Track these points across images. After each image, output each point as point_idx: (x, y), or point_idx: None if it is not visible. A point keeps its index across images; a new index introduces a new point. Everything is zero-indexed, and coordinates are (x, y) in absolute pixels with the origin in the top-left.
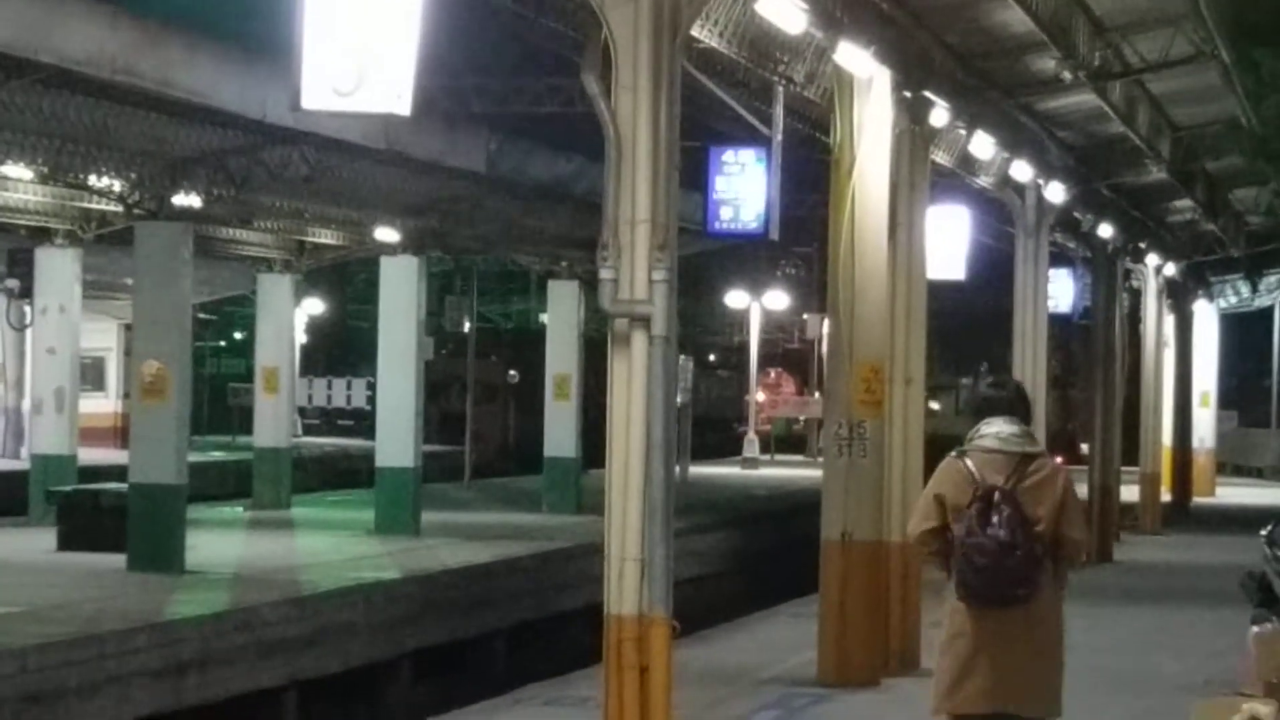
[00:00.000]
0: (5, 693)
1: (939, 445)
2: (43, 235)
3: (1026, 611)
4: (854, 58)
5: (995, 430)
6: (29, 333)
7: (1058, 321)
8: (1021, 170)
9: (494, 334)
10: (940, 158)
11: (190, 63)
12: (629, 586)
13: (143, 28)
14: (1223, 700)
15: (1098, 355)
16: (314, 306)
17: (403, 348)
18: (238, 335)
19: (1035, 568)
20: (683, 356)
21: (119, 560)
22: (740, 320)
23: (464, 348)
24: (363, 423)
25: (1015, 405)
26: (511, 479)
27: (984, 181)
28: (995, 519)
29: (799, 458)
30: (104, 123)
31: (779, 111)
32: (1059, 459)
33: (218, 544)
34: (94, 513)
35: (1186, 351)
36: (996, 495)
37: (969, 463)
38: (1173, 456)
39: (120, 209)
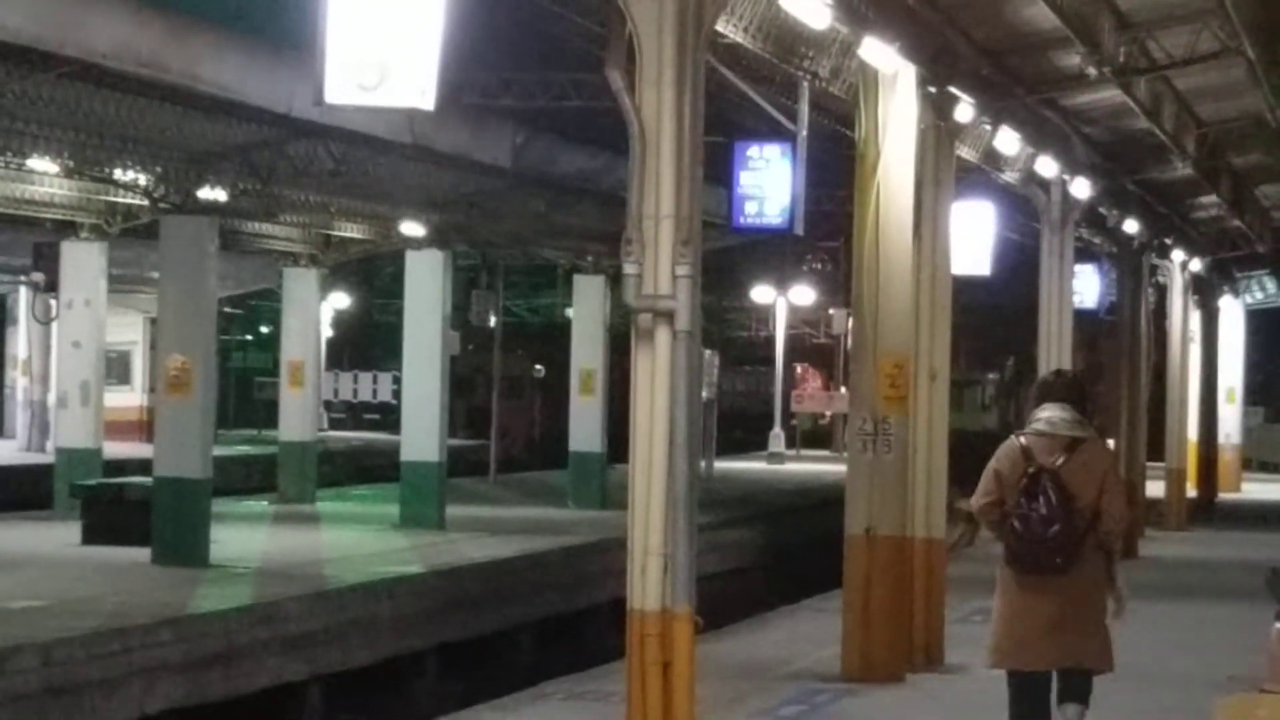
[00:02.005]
0: (29, 686)
1: (963, 440)
2: (68, 229)
3: (1068, 579)
4: (879, 53)
5: (1048, 415)
6: (54, 326)
7: (1083, 317)
8: (1047, 166)
9: (520, 328)
10: (965, 153)
11: (216, 57)
12: (652, 581)
13: (169, 22)
14: (1246, 697)
15: (1123, 351)
16: (340, 300)
17: (428, 342)
18: (263, 329)
19: (1074, 540)
20: (708, 351)
21: (143, 554)
22: (766, 315)
23: (490, 342)
24: (388, 417)
25: (1069, 393)
26: (537, 474)
27: (1009, 177)
28: (1039, 495)
29: (825, 453)
30: (130, 117)
31: (804, 107)
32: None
33: (242, 538)
34: (119, 506)
35: (1212, 347)
36: (1043, 474)
37: (1024, 443)
38: (1198, 452)
39: (146, 203)
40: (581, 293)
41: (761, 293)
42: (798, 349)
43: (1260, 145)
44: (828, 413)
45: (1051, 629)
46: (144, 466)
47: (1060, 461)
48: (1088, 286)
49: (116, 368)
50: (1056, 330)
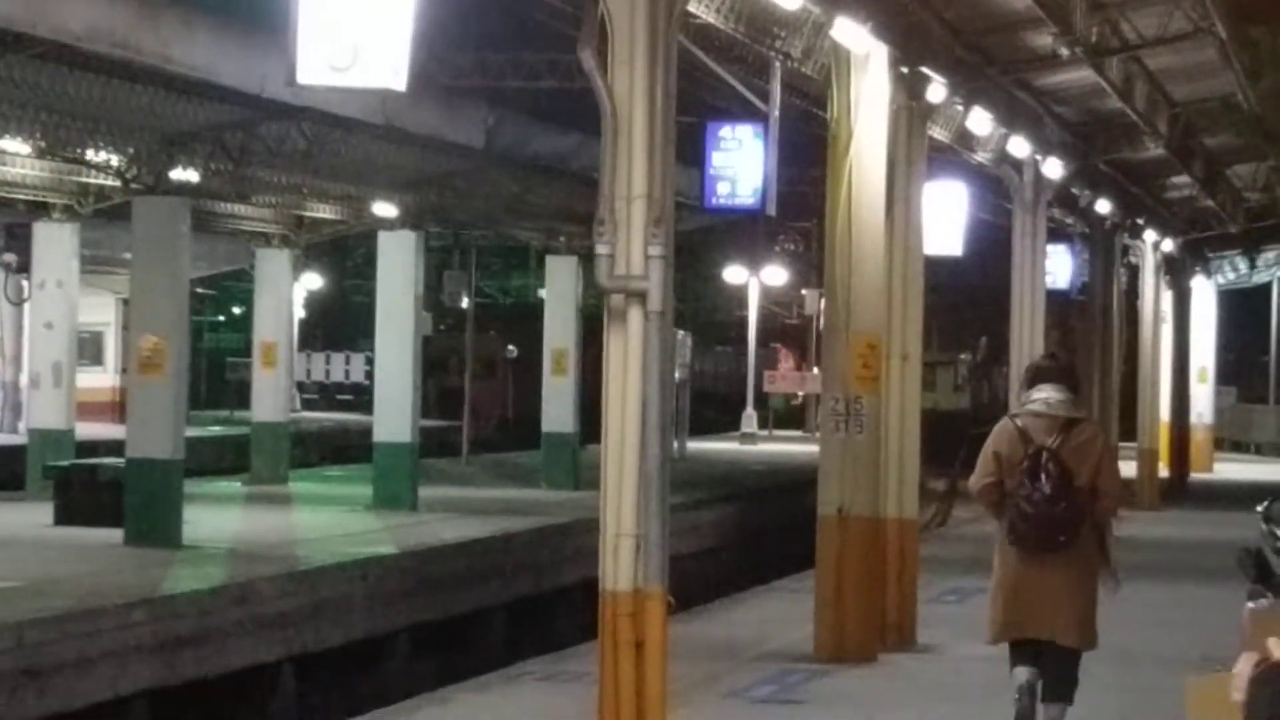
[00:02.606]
0: (2, 667)
1: (936, 421)
2: (40, 210)
3: (1067, 556)
4: (851, 33)
5: (1044, 396)
6: (26, 307)
7: (1055, 297)
8: (1019, 146)
9: (493, 309)
10: (938, 133)
11: (188, 38)
12: (624, 562)
13: (142, 3)
14: (1217, 676)
15: (1095, 331)
16: (312, 281)
17: (401, 323)
18: (236, 310)
19: (1077, 517)
20: (681, 332)
21: (116, 535)
22: (739, 296)
23: (462, 323)
24: (361, 398)
25: (1063, 375)
26: (509, 454)
27: (982, 157)
28: (1043, 474)
29: (798, 433)
30: (102, 97)
31: (776, 87)
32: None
33: (215, 519)
34: (91, 487)
35: (1184, 327)
36: (1044, 454)
37: (1021, 424)
38: (1170, 432)
39: (118, 184)
40: (554, 273)
41: (734, 273)
42: (770, 330)
43: (1232, 126)
44: (800, 393)
45: (1049, 604)
46: (116, 447)
47: (1058, 442)
48: (1060, 266)
49: (89, 348)
50: (1029, 310)
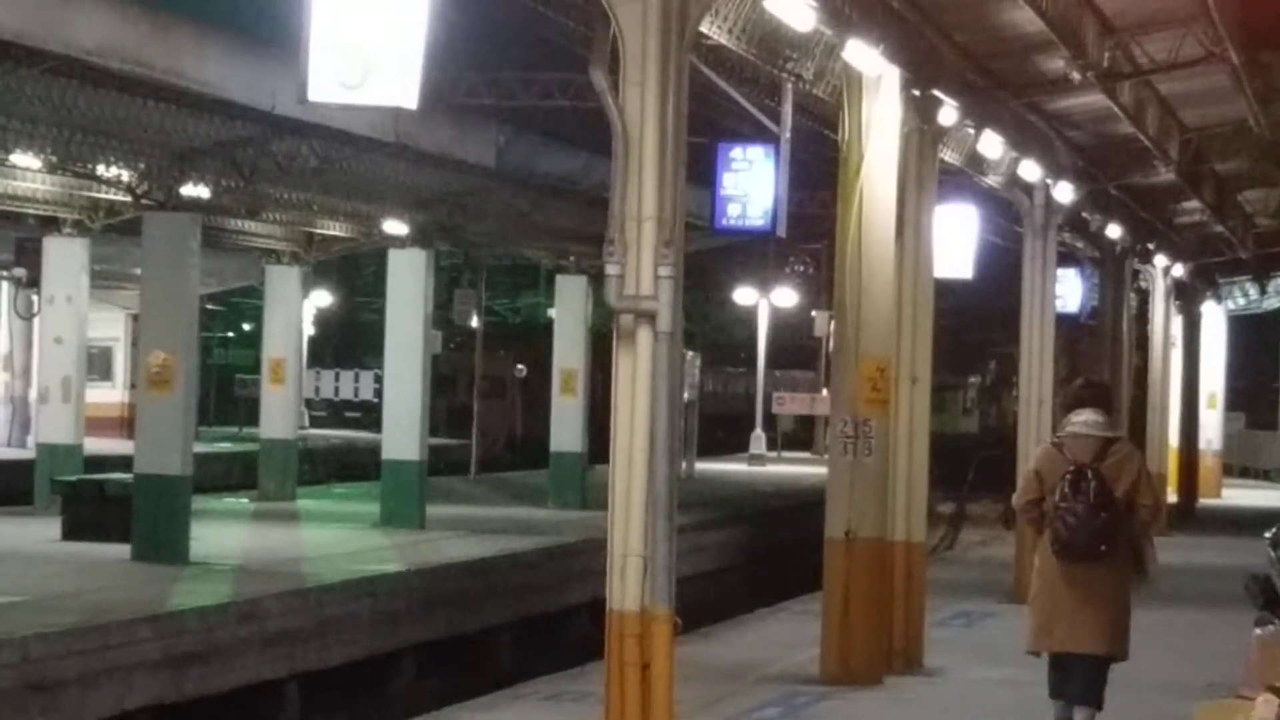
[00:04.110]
0: (8, 682)
1: (945, 444)
2: (51, 224)
3: (1106, 567)
4: (863, 55)
5: (1084, 419)
6: (36, 322)
7: (1065, 321)
8: (1030, 170)
9: (502, 328)
10: (949, 156)
11: (199, 53)
12: (631, 582)
13: (152, 18)
14: (1224, 703)
15: (1105, 355)
16: (322, 298)
17: (410, 341)
18: (245, 326)
19: (1117, 529)
20: (690, 353)
21: (124, 550)
22: (749, 317)
23: (472, 341)
24: (370, 415)
25: (1099, 399)
26: (517, 473)
27: (992, 181)
28: (1084, 489)
29: (806, 455)
30: (113, 113)
31: (788, 109)
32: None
33: (222, 535)
34: (99, 503)
35: (1194, 353)
36: (1086, 470)
37: (1061, 445)
38: (1179, 458)
39: (128, 199)
40: (563, 293)
41: (744, 294)
42: (780, 351)
43: (1243, 151)
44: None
45: (1089, 614)
46: (125, 463)
47: (1097, 460)
48: (1070, 291)
49: (98, 364)
50: (1038, 334)
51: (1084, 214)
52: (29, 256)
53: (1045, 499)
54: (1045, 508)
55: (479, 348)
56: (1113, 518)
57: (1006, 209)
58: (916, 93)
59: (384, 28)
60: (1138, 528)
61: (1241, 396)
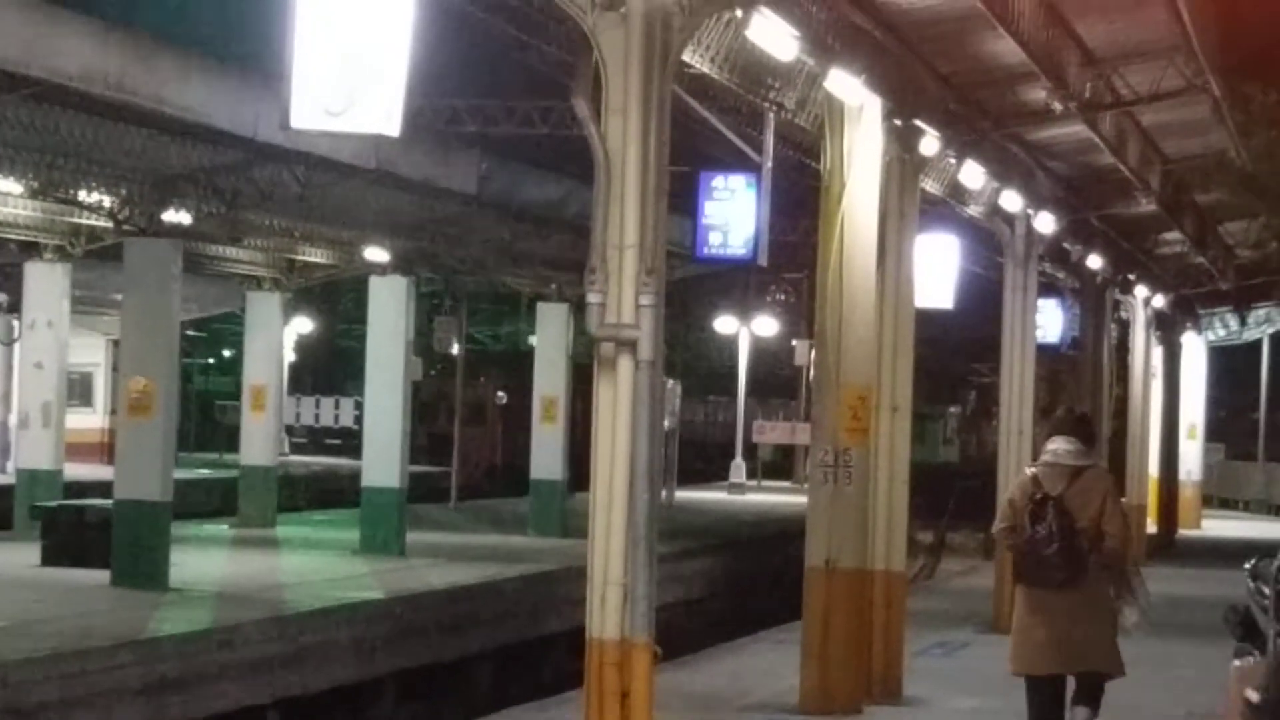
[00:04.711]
0: None
1: (925, 473)
2: (32, 250)
3: (1075, 594)
4: (845, 85)
5: (1055, 448)
6: (16, 347)
7: (1046, 351)
8: (1011, 200)
9: (483, 355)
10: (930, 186)
11: (182, 80)
12: (611, 611)
13: (136, 44)
14: None
15: (1085, 386)
16: (303, 325)
17: (391, 368)
18: (226, 352)
19: (1074, 557)
20: (670, 381)
21: (103, 576)
22: (730, 346)
23: (453, 369)
24: (350, 442)
25: (1075, 428)
26: (498, 501)
27: (974, 211)
28: (1043, 519)
29: (786, 483)
30: (95, 138)
31: (769, 138)
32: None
33: (202, 561)
34: (79, 528)
35: (1174, 383)
36: (1047, 500)
37: (1034, 474)
38: (1159, 488)
39: (110, 225)
40: (544, 321)
41: (725, 323)
42: (761, 380)
43: (1224, 182)
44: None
45: (1060, 639)
46: (105, 488)
47: (1063, 489)
48: (1051, 321)
49: (78, 389)
50: (1019, 364)
51: (1065, 244)
52: (10, 282)
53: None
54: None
55: (460, 375)
56: (1067, 547)
57: (988, 239)
58: (898, 122)
59: (367, 55)
60: (1107, 557)
61: (1221, 428)
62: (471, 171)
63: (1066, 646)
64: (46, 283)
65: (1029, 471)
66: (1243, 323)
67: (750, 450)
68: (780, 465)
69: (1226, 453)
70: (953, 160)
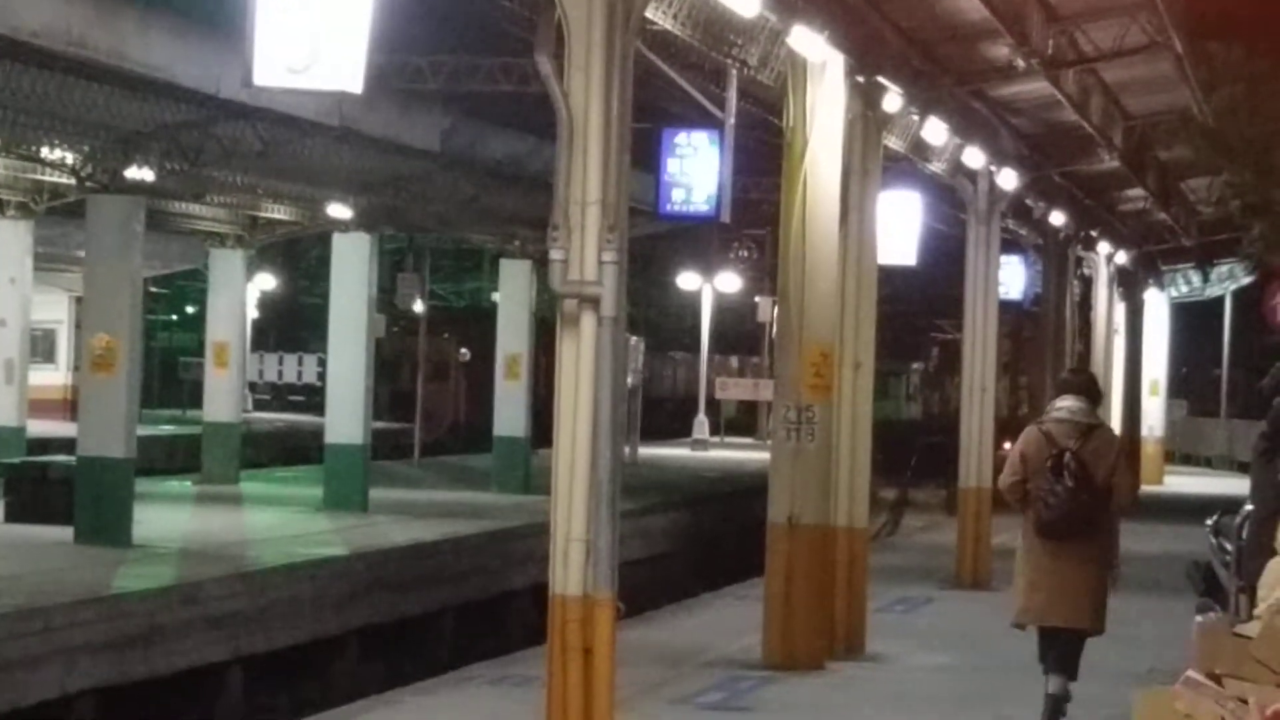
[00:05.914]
0: None
1: (888, 430)
2: None
3: (1085, 545)
4: (807, 42)
5: (1067, 405)
6: None
7: (1009, 308)
8: (974, 157)
9: (446, 312)
10: (893, 143)
11: (144, 36)
12: (574, 567)
13: (97, 1)
14: (1164, 690)
15: (1048, 342)
16: (266, 282)
17: (354, 324)
18: (189, 309)
19: (1096, 510)
20: (634, 338)
21: (66, 533)
22: (693, 302)
23: (415, 325)
24: (313, 399)
25: (1084, 388)
26: (461, 457)
27: (936, 167)
28: (1065, 472)
29: (749, 440)
30: (57, 95)
31: (732, 95)
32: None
33: (166, 518)
34: (42, 485)
35: (1137, 340)
36: (1067, 455)
37: (1046, 429)
38: (1122, 444)
39: (73, 182)
40: (507, 277)
41: (688, 280)
42: (723, 336)
43: (1187, 139)
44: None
45: (1069, 589)
46: (68, 445)
47: (1079, 445)
48: (1013, 277)
49: (41, 346)
50: (981, 321)
51: (1028, 201)
52: None
53: (1029, 481)
54: (1029, 489)
55: (422, 332)
56: (1092, 499)
57: (950, 196)
58: (861, 79)
59: (329, 12)
60: (1114, 507)
61: (1184, 384)
62: (434, 128)
63: (1072, 598)
64: (9, 240)
65: (1039, 428)
66: (1205, 279)
67: (713, 406)
68: (743, 422)
69: (1189, 409)
70: (915, 117)
